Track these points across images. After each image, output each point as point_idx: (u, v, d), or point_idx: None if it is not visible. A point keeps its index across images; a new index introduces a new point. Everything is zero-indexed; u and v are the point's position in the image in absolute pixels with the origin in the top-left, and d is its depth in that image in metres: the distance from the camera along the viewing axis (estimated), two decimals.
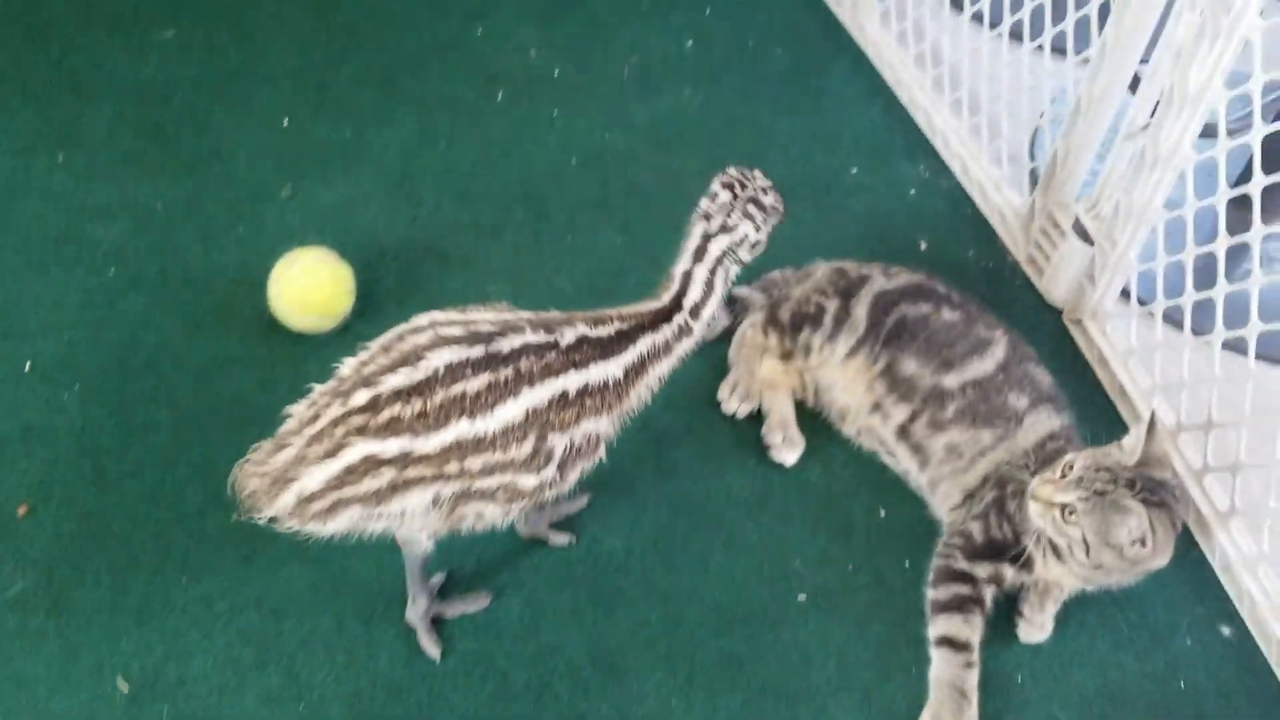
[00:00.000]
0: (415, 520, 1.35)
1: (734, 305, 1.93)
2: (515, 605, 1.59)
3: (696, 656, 1.56)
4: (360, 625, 1.54)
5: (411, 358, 1.29)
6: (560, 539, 1.66)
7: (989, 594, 1.61)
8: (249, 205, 2.02)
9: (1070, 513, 1.50)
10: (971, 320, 1.79)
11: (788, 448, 1.79)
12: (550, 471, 1.36)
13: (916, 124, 2.36)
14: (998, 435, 1.68)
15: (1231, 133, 1.63)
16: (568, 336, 1.35)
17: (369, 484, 1.28)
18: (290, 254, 1.81)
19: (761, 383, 1.84)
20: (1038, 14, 2.06)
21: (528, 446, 1.32)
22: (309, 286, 1.78)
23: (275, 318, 1.80)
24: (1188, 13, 1.64)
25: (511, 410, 1.30)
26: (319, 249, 1.82)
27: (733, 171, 1.45)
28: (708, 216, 1.44)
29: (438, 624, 1.55)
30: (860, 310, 1.81)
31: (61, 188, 2.00)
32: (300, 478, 1.28)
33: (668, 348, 1.44)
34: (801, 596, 1.64)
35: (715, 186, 1.44)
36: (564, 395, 1.33)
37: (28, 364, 1.74)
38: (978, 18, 2.27)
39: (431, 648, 1.53)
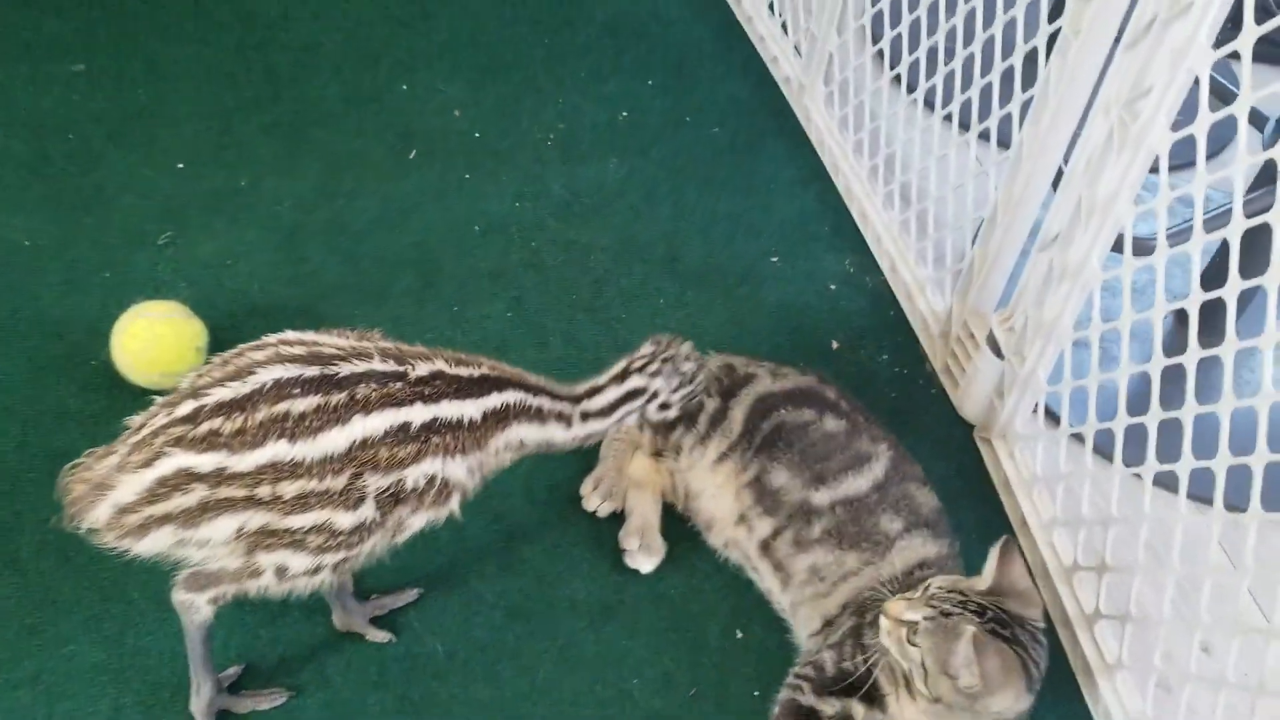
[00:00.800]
0: (217, 552, 1.24)
1: None
2: (314, 706, 1.45)
3: None
4: (139, 714, 1.41)
5: (243, 372, 1.22)
6: (378, 635, 1.53)
7: None
8: (122, 251, 1.92)
9: (914, 632, 1.36)
10: (855, 432, 1.65)
11: (644, 554, 1.65)
12: (367, 512, 1.25)
13: (850, 214, 2.24)
14: (864, 559, 1.54)
15: (1168, 240, 1.49)
16: (421, 369, 1.28)
17: (180, 500, 1.19)
18: (138, 306, 1.71)
19: (629, 481, 1.71)
20: (985, 98, 1.87)
21: (343, 479, 1.22)
22: (151, 342, 1.68)
23: (119, 372, 1.70)
24: (1100, 117, 1.52)
25: (336, 438, 1.21)
26: (169, 303, 1.72)
27: (663, 337, 1.51)
28: (635, 362, 1.48)
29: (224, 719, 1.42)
30: (738, 412, 1.68)
31: None
32: (116, 486, 1.20)
33: (540, 416, 1.39)
34: None
35: (644, 345, 1.50)
36: (405, 427, 1.24)
37: None
38: (929, 103, 2.13)
39: None
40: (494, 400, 1.33)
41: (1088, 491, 1.62)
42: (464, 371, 1.32)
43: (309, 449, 1.20)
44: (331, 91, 2.30)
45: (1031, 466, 1.76)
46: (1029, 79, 1.69)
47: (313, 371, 1.22)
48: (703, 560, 1.67)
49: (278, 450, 1.20)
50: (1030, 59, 1.70)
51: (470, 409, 1.31)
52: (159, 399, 1.26)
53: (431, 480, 1.28)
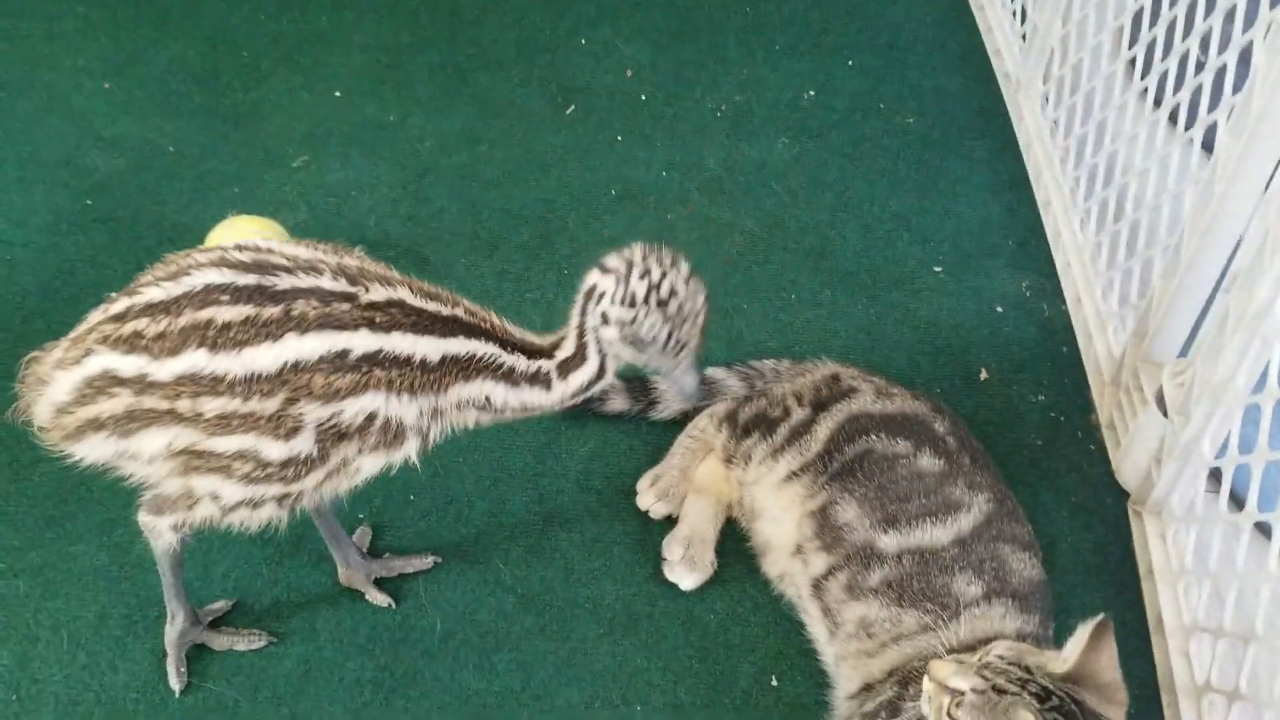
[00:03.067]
0: (155, 469, 1.16)
1: (702, 385, 1.61)
2: (292, 659, 1.36)
3: None
4: (121, 628, 1.36)
5: (179, 273, 1.13)
6: (378, 598, 1.42)
7: None
8: (257, 168, 1.92)
9: (958, 704, 1.10)
10: (952, 475, 1.38)
11: (687, 568, 1.45)
12: (303, 445, 1.12)
13: (1043, 231, 1.93)
14: (924, 622, 1.28)
15: None
16: (377, 294, 1.14)
17: (108, 406, 1.12)
18: (235, 218, 1.68)
19: (691, 485, 1.52)
20: (1216, 91, 1.51)
21: (273, 404, 1.10)
22: None
23: None
24: None
25: (264, 355, 1.09)
26: (266, 221, 1.69)
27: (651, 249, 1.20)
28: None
29: (199, 653, 1.35)
30: (824, 429, 1.45)
31: (91, 114, 1.97)
32: (52, 383, 1.14)
33: (511, 377, 1.21)
34: None
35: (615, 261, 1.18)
36: (343, 354, 1.11)
37: None
38: (1157, 101, 1.75)
39: (174, 679, 1.32)
40: (458, 346, 1.17)
41: (1265, 596, 1.27)
42: (431, 306, 1.17)
43: (231, 363, 1.09)
44: (508, 38, 2.21)
45: (1184, 555, 1.43)
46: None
47: (248, 280, 1.11)
48: (755, 589, 1.46)
49: (195, 360, 1.09)
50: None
51: (426, 347, 1.15)
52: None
53: (372, 418, 1.13)
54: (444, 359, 1.16)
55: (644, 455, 1.58)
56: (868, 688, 1.29)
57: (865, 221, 1.94)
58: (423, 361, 1.15)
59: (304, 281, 1.12)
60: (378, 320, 1.12)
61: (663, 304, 1.16)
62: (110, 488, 1.47)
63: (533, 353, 1.22)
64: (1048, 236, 1.92)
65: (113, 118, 1.97)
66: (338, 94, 2.07)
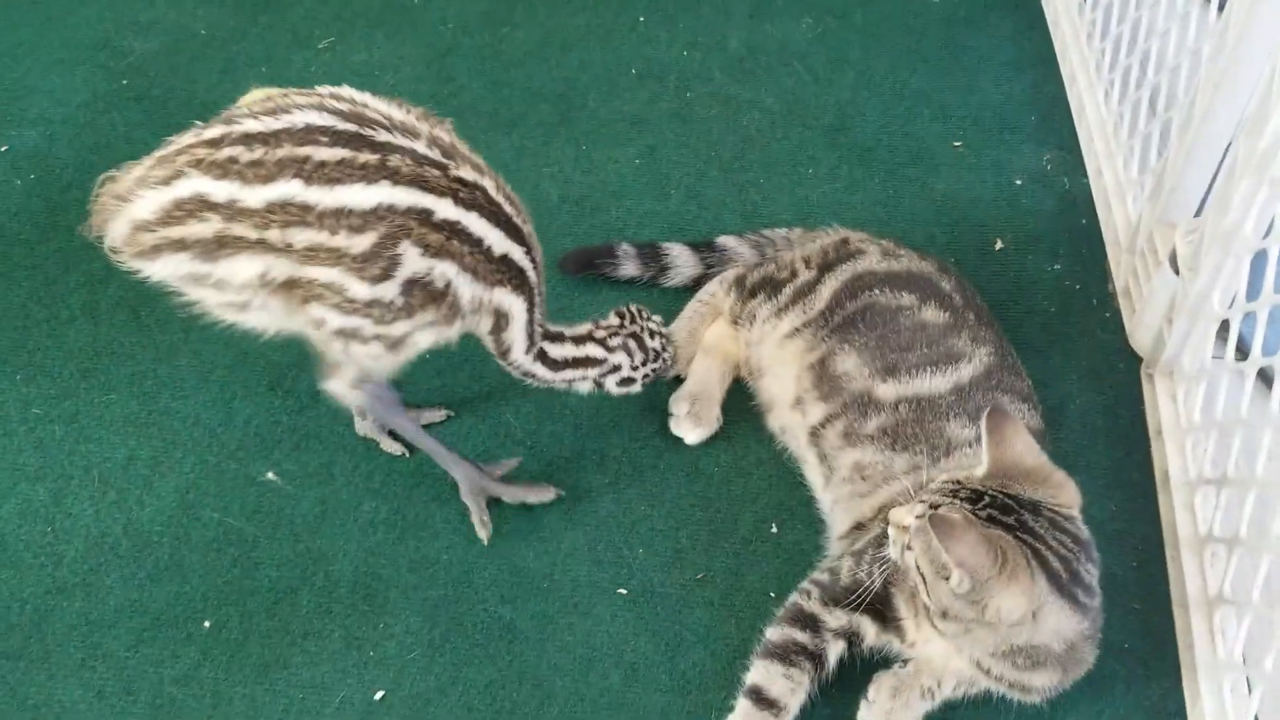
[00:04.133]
0: (246, 298, 1.18)
1: (710, 252, 1.63)
2: (309, 500, 1.41)
3: (466, 617, 1.33)
4: (148, 468, 1.43)
5: (279, 111, 1.16)
6: (393, 447, 1.47)
7: (834, 652, 1.25)
8: (284, 50, 1.96)
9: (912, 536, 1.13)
10: (956, 328, 1.39)
11: (691, 423, 1.48)
12: (390, 291, 1.15)
13: (1067, 106, 1.91)
14: (914, 463, 1.30)
15: None
16: (466, 173, 1.17)
17: (196, 229, 1.15)
18: (256, 92, 1.71)
19: (701, 345, 1.54)
20: None
21: (364, 241, 1.13)
22: None
23: None
24: None
25: (356, 194, 1.12)
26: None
27: (631, 307, 1.40)
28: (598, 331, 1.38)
29: (220, 489, 1.41)
30: (828, 287, 1.47)
31: (123, 1, 2.03)
32: (134, 201, 1.16)
33: (525, 318, 1.28)
34: (622, 590, 1.36)
35: (611, 315, 1.40)
36: (428, 214, 1.14)
37: (4, 147, 1.77)
38: None
39: (480, 529, 1.38)
40: (519, 255, 1.22)
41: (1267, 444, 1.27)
42: (507, 207, 1.21)
43: (322, 195, 1.12)
44: None
45: (1192, 411, 1.43)
46: None
47: (347, 127, 1.14)
48: (760, 446, 1.49)
49: (288, 188, 1.12)
50: None
51: (495, 239, 1.19)
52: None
53: (449, 285, 1.18)
54: (504, 258, 1.20)
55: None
56: (858, 526, 1.32)
57: (885, 99, 1.93)
58: (489, 251, 1.19)
59: (400, 140, 1.15)
60: (461, 195, 1.16)
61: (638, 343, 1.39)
62: (141, 342, 1.55)
63: (542, 323, 1.33)
64: (1071, 112, 1.89)
65: (148, 2, 2.02)
66: None
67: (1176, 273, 1.46)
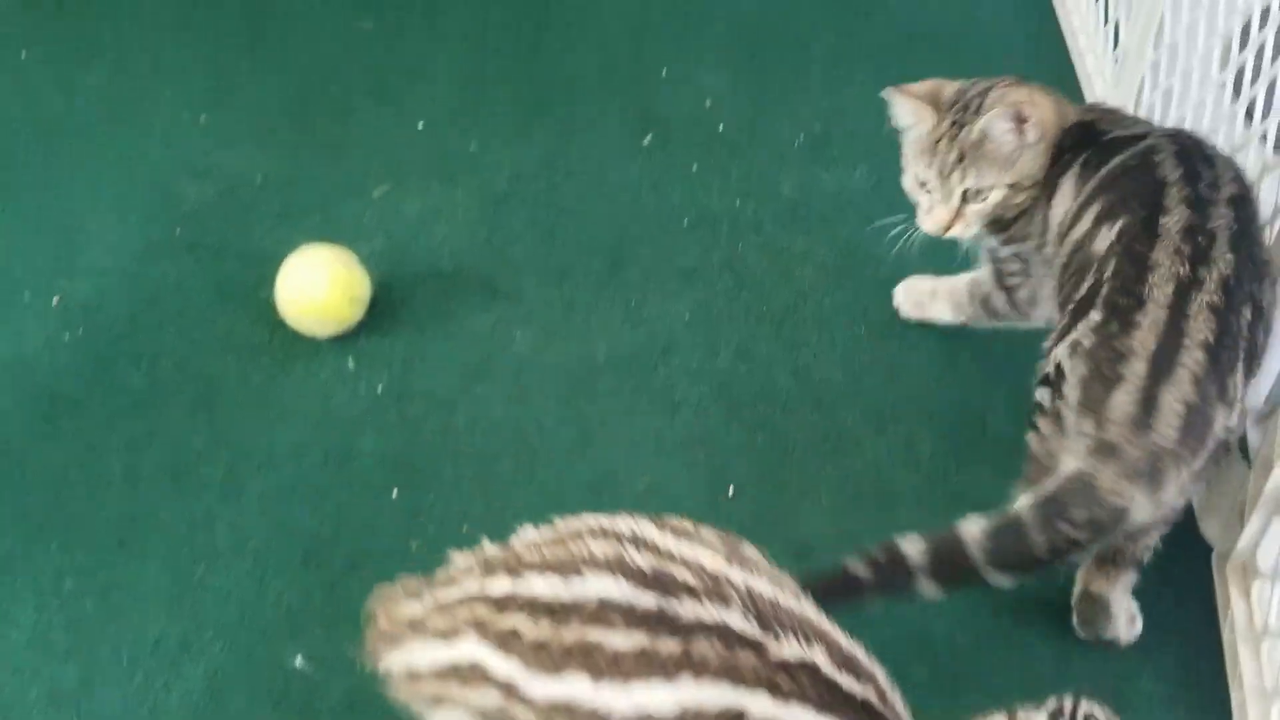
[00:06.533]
0: None
1: None
2: None
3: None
4: (177, 649, 1.39)
5: (571, 566, 0.99)
6: None
7: None
8: (338, 197, 1.96)
9: None
10: None
11: None
12: None
13: None
14: None
15: None
16: (788, 649, 0.96)
17: (476, 698, 0.99)
18: (307, 247, 1.72)
19: None
20: None
21: None
22: (306, 285, 1.68)
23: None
24: None
25: (654, 694, 0.94)
26: (337, 249, 1.72)
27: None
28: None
29: None
30: None
31: (186, 144, 2.05)
32: (410, 648, 1.03)
33: None
34: None
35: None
36: (739, 715, 0.95)
37: (56, 298, 1.79)
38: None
39: None
40: None
41: None
42: (844, 680, 0.98)
43: (617, 699, 0.95)
44: (589, 68, 2.23)
45: (1269, 613, 1.35)
46: None
47: (647, 601, 0.97)
48: None
49: (577, 689, 0.95)
50: None
51: None
52: (484, 547, 1.08)
53: None
54: None
55: None
56: None
57: (941, 253, 1.89)
58: None
59: (709, 614, 0.96)
60: (782, 685, 0.96)
61: None
62: (179, 510, 1.54)
63: None
64: None
65: (207, 148, 2.05)
66: (421, 124, 2.11)
67: (1248, 463, 1.39)
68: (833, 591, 1.17)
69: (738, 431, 1.63)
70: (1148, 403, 1.21)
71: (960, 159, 1.48)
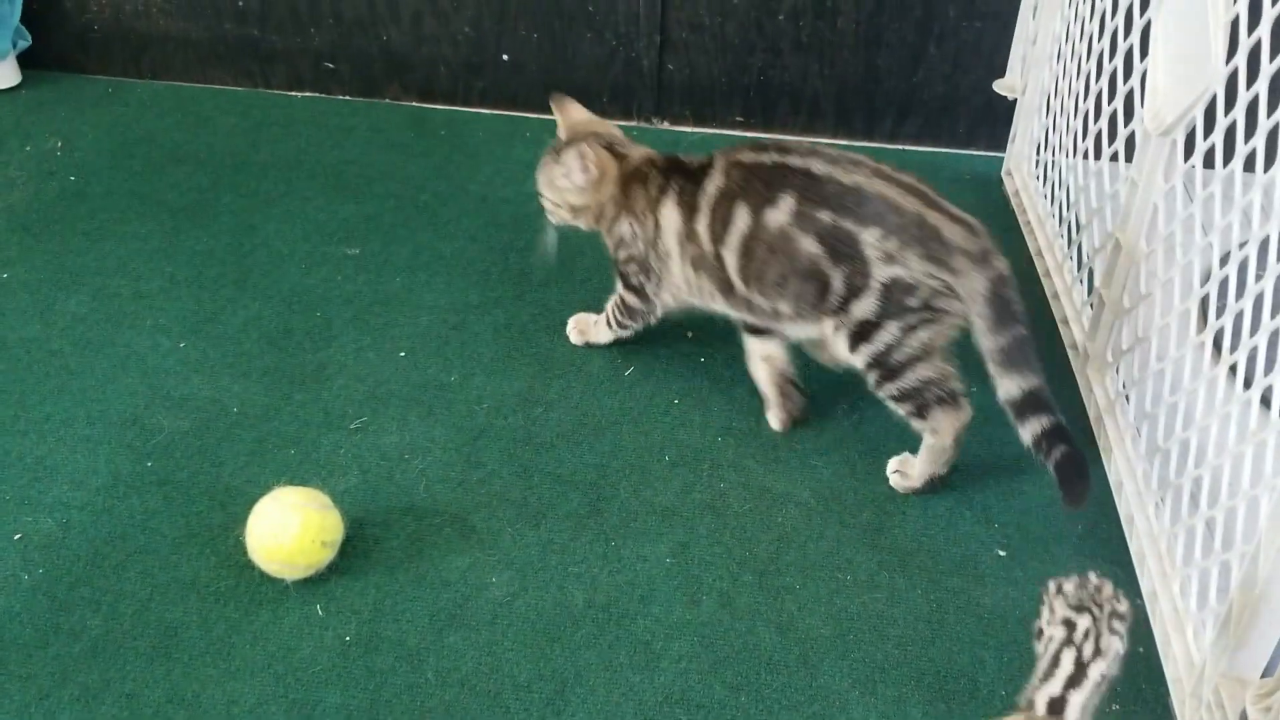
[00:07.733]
0: None
1: None
2: None
3: None
4: None
5: None
6: None
7: None
8: (314, 431, 1.94)
9: None
10: None
11: None
12: None
13: (1116, 515, 1.84)
14: None
15: None
16: None
17: None
18: (279, 490, 1.69)
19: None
20: None
21: None
22: (277, 529, 1.63)
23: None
24: None
25: None
26: (309, 492, 1.69)
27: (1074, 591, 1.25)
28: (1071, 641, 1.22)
29: None
30: None
31: (164, 373, 2.04)
32: None
33: None
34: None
35: (1065, 612, 1.24)
36: None
37: (18, 535, 1.73)
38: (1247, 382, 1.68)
39: None
40: None
41: None
42: None
43: None
44: (573, 300, 2.26)
45: None
46: None
47: None
48: None
49: None
50: None
51: None
52: None
53: None
54: None
55: None
56: None
57: (925, 497, 1.87)
58: None
59: None
60: None
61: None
62: None
63: None
64: (1121, 522, 1.82)
65: (184, 377, 2.03)
66: (403, 354, 2.11)
67: None
68: None
69: (720, 690, 1.57)
70: None
71: None
